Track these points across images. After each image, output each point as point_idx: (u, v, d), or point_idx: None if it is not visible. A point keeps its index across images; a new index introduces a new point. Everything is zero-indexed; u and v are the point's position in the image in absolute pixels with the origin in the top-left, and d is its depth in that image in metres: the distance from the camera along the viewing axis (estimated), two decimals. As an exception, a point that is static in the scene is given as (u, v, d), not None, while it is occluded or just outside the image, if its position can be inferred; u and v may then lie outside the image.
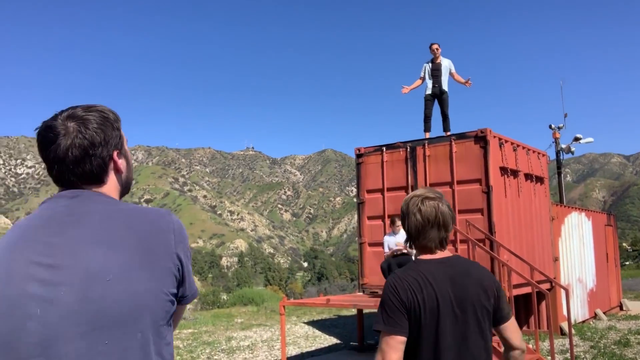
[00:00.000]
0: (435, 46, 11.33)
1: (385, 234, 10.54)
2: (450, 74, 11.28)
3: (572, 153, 24.62)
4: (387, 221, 10.78)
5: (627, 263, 55.05)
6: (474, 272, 2.21)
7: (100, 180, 1.50)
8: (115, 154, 1.53)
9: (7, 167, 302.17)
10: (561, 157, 24.41)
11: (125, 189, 1.60)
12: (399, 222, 9.64)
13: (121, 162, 1.55)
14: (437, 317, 2.08)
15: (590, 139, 24.83)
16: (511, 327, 2.25)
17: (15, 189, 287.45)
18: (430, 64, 11.34)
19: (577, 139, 24.52)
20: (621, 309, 15.96)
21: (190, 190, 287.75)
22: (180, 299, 1.50)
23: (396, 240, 9.44)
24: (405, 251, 9.30)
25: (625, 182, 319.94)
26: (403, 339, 2.06)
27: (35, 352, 1.29)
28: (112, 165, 1.53)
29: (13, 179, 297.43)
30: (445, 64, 11.28)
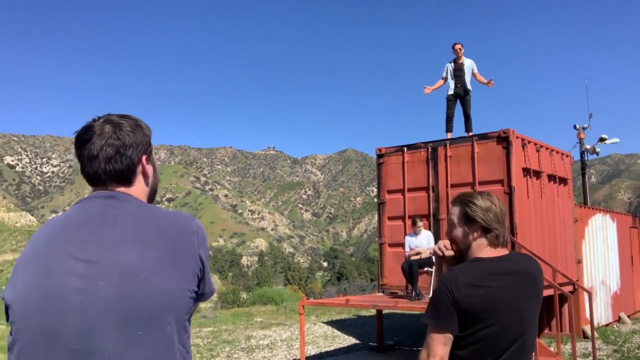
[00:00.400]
0: (457, 46, 11.26)
1: (405, 234, 10.51)
2: (473, 74, 11.20)
3: (597, 154, 24.22)
4: (408, 222, 10.74)
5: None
6: (533, 268, 2.26)
7: (128, 180, 1.61)
8: (144, 158, 1.65)
9: (33, 166, 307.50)
10: (586, 158, 24.03)
11: (151, 194, 1.72)
12: (420, 223, 9.60)
13: (149, 167, 1.67)
14: (498, 315, 2.09)
15: (616, 140, 24.38)
16: None
17: (41, 187, 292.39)
18: (452, 64, 11.28)
19: (602, 140, 24.11)
20: (646, 312, 15.66)
21: (211, 190, 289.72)
22: (200, 296, 1.60)
23: (418, 240, 9.41)
24: (425, 256, 9.27)
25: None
26: (450, 336, 2.08)
27: (75, 341, 1.38)
28: (140, 168, 1.64)
29: (39, 177, 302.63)
30: (468, 63, 11.21)
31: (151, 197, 1.71)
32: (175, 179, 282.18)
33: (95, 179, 1.59)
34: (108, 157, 1.57)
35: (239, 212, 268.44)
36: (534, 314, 2.23)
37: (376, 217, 12.04)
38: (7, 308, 1.48)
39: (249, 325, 14.02)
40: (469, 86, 11.19)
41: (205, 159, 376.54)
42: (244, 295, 27.81)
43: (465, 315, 2.07)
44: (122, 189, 1.60)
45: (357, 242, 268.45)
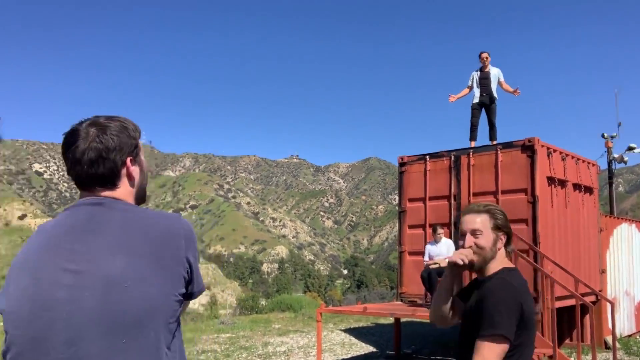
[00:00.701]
0: (484, 55, 11.17)
1: (426, 243, 10.38)
2: (499, 82, 11.09)
3: (625, 163, 23.79)
4: (429, 230, 10.61)
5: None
6: None
7: (113, 183, 1.63)
8: (129, 160, 1.65)
9: (60, 173, 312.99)
10: (613, 167, 23.62)
11: (140, 194, 1.74)
12: (440, 230, 9.47)
13: (133, 169, 1.68)
14: (534, 324, 2.20)
15: (645, 148, 23.94)
16: None
17: (67, 194, 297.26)
18: (478, 72, 11.18)
19: (631, 149, 23.67)
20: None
21: (234, 197, 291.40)
22: (189, 295, 1.64)
23: (439, 249, 9.29)
24: (444, 264, 9.14)
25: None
26: (508, 348, 2.09)
27: (62, 350, 1.43)
28: (124, 170, 1.65)
29: (65, 184, 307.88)
30: (494, 72, 11.11)
31: (140, 197, 1.74)
32: (199, 187, 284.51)
33: (80, 182, 1.63)
34: (90, 160, 1.58)
35: (260, 219, 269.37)
36: None
37: (397, 225, 11.94)
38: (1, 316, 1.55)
39: (267, 332, 13.98)
40: (495, 94, 11.08)
41: (229, 167, 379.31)
42: (263, 301, 27.80)
43: (522, 325, 2.11)
44: (107, 193, 1.62)
45: (378, 250, 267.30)
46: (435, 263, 9.15)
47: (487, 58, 11.12)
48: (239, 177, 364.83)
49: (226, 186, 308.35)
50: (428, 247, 9.59)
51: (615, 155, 22.99)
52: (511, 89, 11.14)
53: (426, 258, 9.47)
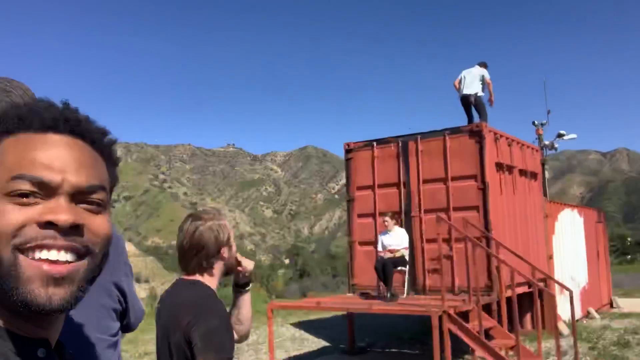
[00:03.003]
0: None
1: (376, 232, 10.12)
2: (485, 82, 11.41)
3: (556, 149, 24.46)
4: (379, 219, 10.35)
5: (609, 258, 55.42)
6: None
7: None
8: None
9: None
10: (544, 154, 24.31)
11: None
12: (386, 219, 9.18)
13: None
14: None
15: (574, 135, 24.69)
16: None
17: None
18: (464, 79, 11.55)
19: (560, 136, 24.34)
20: (611, 306, 15.75)
21: (170, 187, 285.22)
22: (124, 328, 1.39)
23: (392, 238, 9.03)
24: (399, 254, 8.91)
25: (602, 179, 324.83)
26: None
27: None
28: None
29: None
30: (479, 72, 11.38)
31: None
32: (132, 177, 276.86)
33: None
34: None
35: (198, 210, 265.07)
36: None
37: (337, 214, 11.66)
38: None
39: (213, 329, 13.42)
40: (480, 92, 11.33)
41: (163, 156, 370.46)
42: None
43: None
44: None
45: (319, 238, 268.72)
46: (392, 252, 8.89)
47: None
48: (174, 166, 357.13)
49: (161, 176, 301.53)
50: (381, 237, 9.32)
51: (546, 142, 23.64)
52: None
53: (380, 248, 9.20)
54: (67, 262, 0.77)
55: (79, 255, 0.79)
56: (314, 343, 11.53)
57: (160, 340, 2.09)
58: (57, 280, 0.77)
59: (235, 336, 2.43)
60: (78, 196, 0.80)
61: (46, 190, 0.78)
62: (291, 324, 13.78)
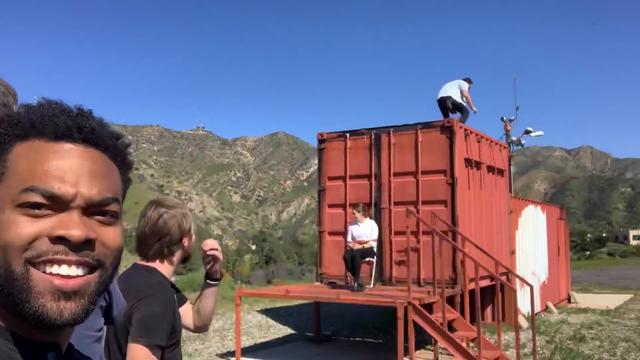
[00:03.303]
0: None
1: (346, 223, 10.24)
2: (461, 92, 12.12)
3: (522, 145, 24.98)
4: (349, 210, 10.48)
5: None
6: None
7: None
8: None
9: None
10: (512, 150, 24.77)
11: None
12: (354, 211, 9.30)
13: None
14: None
15: (540, 132, 25.23)
16: None
17: None
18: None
19: (528, 132, 24.84)
20: (569, 301, 16.28)
21: (136, 169, 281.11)
22: (108, 321, 1.42)
23: (361, 230, 9.15)
24: (368, 246, 9.04)
25: (566, 175, 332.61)
26: None
27: None
28: None
29: None
30: (457, 84, 12.15)
31: None
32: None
33: None
34: None
35: (165, 192, 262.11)
36: None
37: (305, 201, 11.74)
38: None
39: (179, 314, 13.40)
40: (459, 101, 11.95)
41: (130, 137, 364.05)
42: (172, 279, 26.87)
43: None
44: None
45: (286, 225, 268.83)
46: (361, 243, 9.02)
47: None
48: (141, 147, 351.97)
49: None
50: (351, 227, 9.43)
51: (514, 138, 24.10)
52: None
53: (349, 239, 9.32)
54: (77, 276, 0.77)
55: (90, 268, 0.79)
56: (280, 330, 11.65)
57: None
58: (68, 295, 0.76)
59: (191, 326, 2.51)
60: (91, 208, 0.79)
61: (59, 203, 0.77)
62: (257, 311, 13.88)
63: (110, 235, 0.81)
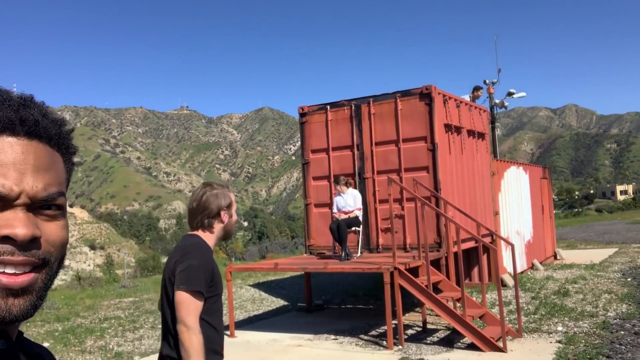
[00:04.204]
0: (479, 93, 14.56)
1: (331, 194, 10.39)
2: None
3: (506, 108, 25.03)
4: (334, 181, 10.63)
5: (554, 212, 57.77)
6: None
7: None
8: None
9: None
10: (495, 112, 24.92)
11: None
12: (336, 184, 9.46)
13: None
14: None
15: (523, 94, 25.31)
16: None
17: None
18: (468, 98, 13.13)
19: (510, 94, 24.89)
20: (555, 258, 16.65)
21: (122, 152, 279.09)
22: None
23: (346, 200, 9.31)
24: (353, 215, 9.21)
25: (552, 135, 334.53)
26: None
27: None
28: None
29: None
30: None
31: None
32: (82, 142, 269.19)
33: None
34: None
35: (153, 174, 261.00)
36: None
37: (295, 175, 11.86)
38: None
39: (173, 293, 13.59)
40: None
41: (114, 120, 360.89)
42: (164, 260, 27.05)
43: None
44: None
45: (277, 200, 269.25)
46: (346, 214, 9.19)
47: (478, 96, 14.13)
48: (125, 130, 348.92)
49: (113, 140, 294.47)
50: (335, 199, 9.60)
51: (497, 101, 24.22)
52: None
53: (335, 210, 9.49)
54: (24, 273, 0.76)
55: (37, 266, 0.78)
56: (273, 302, 11.89)
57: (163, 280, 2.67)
58: (16, 292, 0.75)
59: None
60: (35, 204, 0.77)
61: (2, 201, 0.74)
62: (250, 285, 14.10)
63: (54, 231, 0.80)
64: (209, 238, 2.68)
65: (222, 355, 2.65)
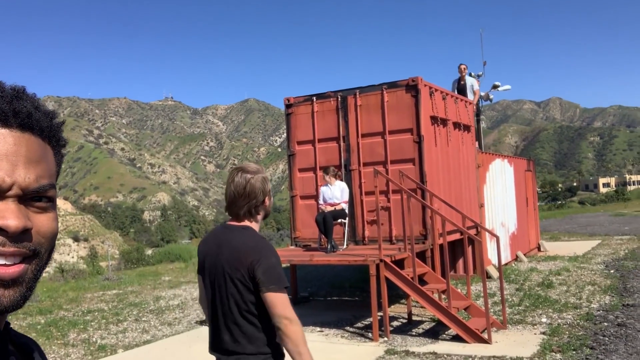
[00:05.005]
0: (462, 66, 13.47)
1: (317, 186, 10.35)
2: (473, 92, 11.93)
3: (491, 100, 25.17)
4: (320, 173, 10.59)
5: (538, 204, 58.33)
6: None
7: None
8: None
9: None
10: (480, 105, 25.01)
11: None
12: (325, 173, 9.42)
13: None
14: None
15: (508, 87, 25.44)
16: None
17: None
18: (457, 84, 12.99)
19: (495, 87, 25.01)
20: (539, 250, 16.79)
21: (106, 143, 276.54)
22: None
23: (333, 192, 9.27)
24: (339, 207, 9.19)
25: (536, 128, 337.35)
26: None
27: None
28: None
29: None
30: (470, 82, 12.95)
31: None
32: (65, 133, 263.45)
33: None
34: None
35: (137, 166, 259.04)
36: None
37: (280, 167, 11.83)
38: None
39: (157, 285, 13.51)
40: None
41: (97, 111, 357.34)
42: (149, 252, 26.88)
43: None
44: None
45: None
46: (332, 206, 9.15)
47: (464, 69, 13.13)
48: (109, 121, 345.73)
49: (96, 131, 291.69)
50: (323, 189, 9.54)
51: (482, 94, 24.31)
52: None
53: (321, 201, 9.45)
54: (15, 264, 0.76)
55: (27, 257, 0.78)
56: (258, 295, 11.84)
57: (215, 274, 2.61)
58: (6, 283, 0.76)
59: None
60: (27, 195, 0.78)
61: None
62: (235, 277, 14.04)
63: (45, 222, 0.81)
64: (257, 227, 2.66)
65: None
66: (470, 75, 24.67)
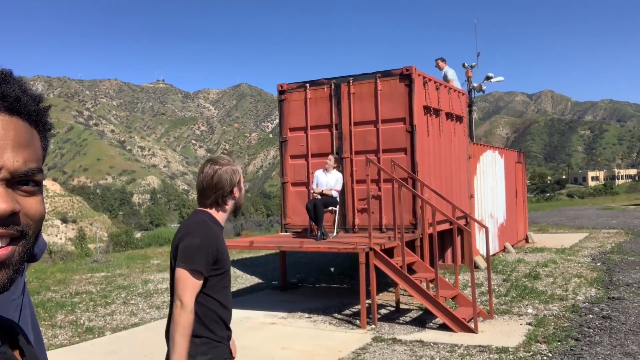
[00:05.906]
0: (438, 61, 13.76)
1: (309, 173, 10.35)
2: (447, 80, 12.69)
3: (484, 92, 25.20)
4: (311, 160, 10.60)
5: (527, 196, 58.72)
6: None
7: None
8: None
9: None
10: (472, 96, 25.05)
11: None
12: (330, 157, 9.42)
13: None
14: None
15: (501, 78, 25.48)
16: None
17: None
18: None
19: (488, 78, 25.04)
20: (527, 241, 16.92)
21: (96, 125, 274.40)
22: (29, 259, 1.53)
23: (327, 179, 9.27)
24: (329, 193, 9.20)
25: (527, 120, 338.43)
26: None
27: None
28: None
29: None
30: (449, 74, 13.21)
31: None
32: (55, 114, 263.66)
33: None
34: None
35: (127, 148, 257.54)
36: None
37: (272, 153, 11.79)
38: None
39: (146, 269, 13.49)
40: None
41: (87, 92, 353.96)
42: (137, 235, 26.80)
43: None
44: None
45: (253, 178, 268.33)
46: (322, 193, 9.16)
47: (441, 62, 13.63)
48: (99, 102, 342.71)
49: (86, 113, 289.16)
50: (317, 173, 9.51)
51: (475, 85, 24.34)
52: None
53: (313, 185, 9.44)
54: (2, 247, 0.77)
55: (14, 238, 0.79)
56: (248, 280, 11.88)
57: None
58: None
59: None
60: (14, 179, 0.78)
61: None
62: (225, 263, 14.05)
63: (33, 205, 0.81)
64: (221, 215, 2.67)
65: (230, 330, 2.70)
66: (463, 66, 24.76)
